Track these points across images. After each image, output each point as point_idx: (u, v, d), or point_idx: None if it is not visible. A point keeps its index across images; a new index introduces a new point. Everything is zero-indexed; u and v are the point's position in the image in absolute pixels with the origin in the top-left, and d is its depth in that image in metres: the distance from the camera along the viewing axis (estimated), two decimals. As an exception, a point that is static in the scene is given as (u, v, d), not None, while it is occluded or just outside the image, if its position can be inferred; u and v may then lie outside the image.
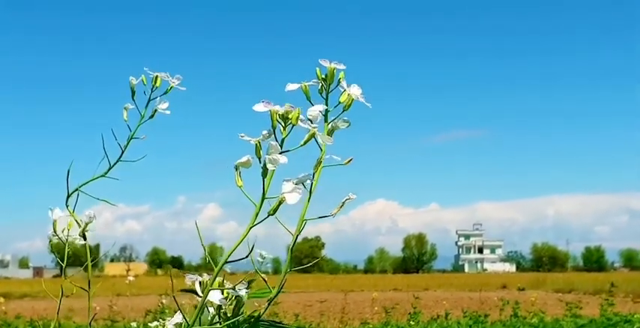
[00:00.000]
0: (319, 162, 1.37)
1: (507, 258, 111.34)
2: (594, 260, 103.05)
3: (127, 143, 1.92)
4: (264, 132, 1.31)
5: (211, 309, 1.42)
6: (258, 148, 1.30)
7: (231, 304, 1.42)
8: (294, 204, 1.33)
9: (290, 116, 1.31)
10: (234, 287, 1.41)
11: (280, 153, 1.29)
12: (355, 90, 1.42)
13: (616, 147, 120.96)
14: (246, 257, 1.35)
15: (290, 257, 1.39)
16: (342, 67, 1.42)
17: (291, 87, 1.41)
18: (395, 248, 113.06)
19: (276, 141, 1.31)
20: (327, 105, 1.41)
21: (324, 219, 1.36)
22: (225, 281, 1.41)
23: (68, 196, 1.84)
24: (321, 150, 1.36)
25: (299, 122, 1.31)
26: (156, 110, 1.90)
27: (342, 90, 1.43)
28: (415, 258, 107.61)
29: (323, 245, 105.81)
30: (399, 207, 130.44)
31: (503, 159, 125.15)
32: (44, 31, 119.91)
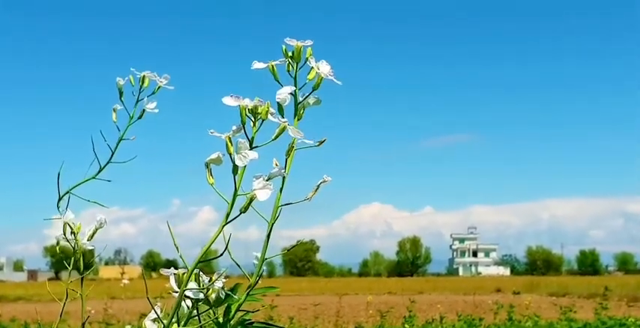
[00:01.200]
0: (291, 148, 1.34)
1: (502, 262, 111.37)
2: (589, 264, 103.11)
3: (117, 144, 1.92)
4: (234, 127, 1.29)
5: (189, 302, 1.40)
6: (228, 144, 1.27)
7: (211, 299, 1.41)
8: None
9: (260, 110, 1.28)
10: (212, 281, 1.39)
11: (251, 149, 1.27)
12: (324, 68, 1.37)
13: (611, 152, 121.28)
14: (221, 255, 1.34)
15: (266, 244, 1.37)
16: (308, 43, 1.37)
17: (258, 65, 1.37)
18: (389, 252, 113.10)
19: (246, 136, 1.28)
20: (295, 84, 1.37)
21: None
22: (202, 275, 1.39)
23: (59, 199, 1.84)
24: (291, 136, 1.32)
25: (269, 116, 1.28)
26: (144, 110, 1.90)
27: (311, 67, 1.38)
28: (410, 262, 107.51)
29: (318, 248, 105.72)
30: (393, 210, 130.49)
31: (498, 162, 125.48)
32: (29, 34, 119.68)
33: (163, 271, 1.42)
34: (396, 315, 15.04)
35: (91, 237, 1.77)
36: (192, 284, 1.37)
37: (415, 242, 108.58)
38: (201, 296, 1.38)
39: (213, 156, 1.28)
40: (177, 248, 1.38)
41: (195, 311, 1.40)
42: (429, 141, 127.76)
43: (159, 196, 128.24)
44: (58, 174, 1.83)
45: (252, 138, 1.28)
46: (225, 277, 1.43)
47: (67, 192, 1.85)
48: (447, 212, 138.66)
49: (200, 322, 1.40)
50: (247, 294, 1.38)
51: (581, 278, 55.06)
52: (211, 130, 1.28)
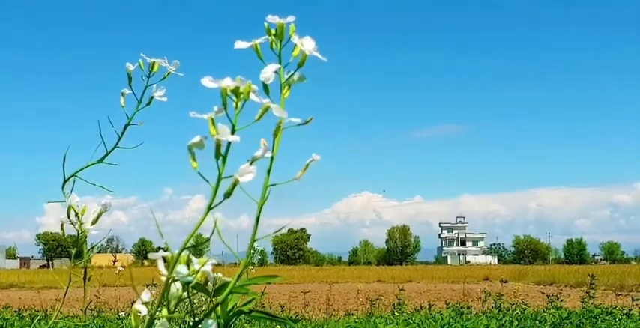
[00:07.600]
0: (278, 127, 1.30)
1: (490, 251, 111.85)
2: (575, 253, 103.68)
3: (124, 129, 1.91)
4: (216, 107, 1.25)
5: (178, 285, 1.37)
6: (211, 125, 1.23)
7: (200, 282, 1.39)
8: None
9: (241, 90, 1.24)
10: (203, 263, 1.36)
11: (233, 131, 1.24)
12: (308, 45, 1.32)
13: (598, 142, 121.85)
14: (208, 240, 1.31)
15: (256, 226, 1.33)
16: (290, 19, 1.32)
17: (241, 45, 1.33)
18: (379, 241, 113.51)
19: (228, 117, 1.25)
20: (280, 62, 1.33)
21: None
22: (191, 257, 1.35)
23: (64, 182, 1.83)
24: (280, 115, 1.28)
25: (252, 96, 1.24)
26: (152, 97, 1.88)
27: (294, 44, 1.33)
28: (399, 250, 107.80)
29: (308, 237, 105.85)
30: (383, 199, 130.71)
31: (486, 152, 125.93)
32: (37, 22, 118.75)
33: (152, 255, 1.41)
34: (385, 303, 15.12)
35: (96, 221, 1.74)
36: (182, 267, 1.34)
37: (404, 231, 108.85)
38: (190, 279, 1.35)
39: (196, 139, 1.24)
40: (161, 235, 1.35)
41: (184, 294, 1.37)
42: (419, 132, 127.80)
43: (151, 185, 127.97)
44: (64, 158, 1.82)
45: (235, 120, 1.25)
46: (217, 265, 1.43)
47: (73, 175, 1.85)
48: (436, 201, 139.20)
49: (191, 305, 1.40)
50: (238, 276, 1.36)
51: (568, 267, 55.30)
52: (193, 112, 1.25)
